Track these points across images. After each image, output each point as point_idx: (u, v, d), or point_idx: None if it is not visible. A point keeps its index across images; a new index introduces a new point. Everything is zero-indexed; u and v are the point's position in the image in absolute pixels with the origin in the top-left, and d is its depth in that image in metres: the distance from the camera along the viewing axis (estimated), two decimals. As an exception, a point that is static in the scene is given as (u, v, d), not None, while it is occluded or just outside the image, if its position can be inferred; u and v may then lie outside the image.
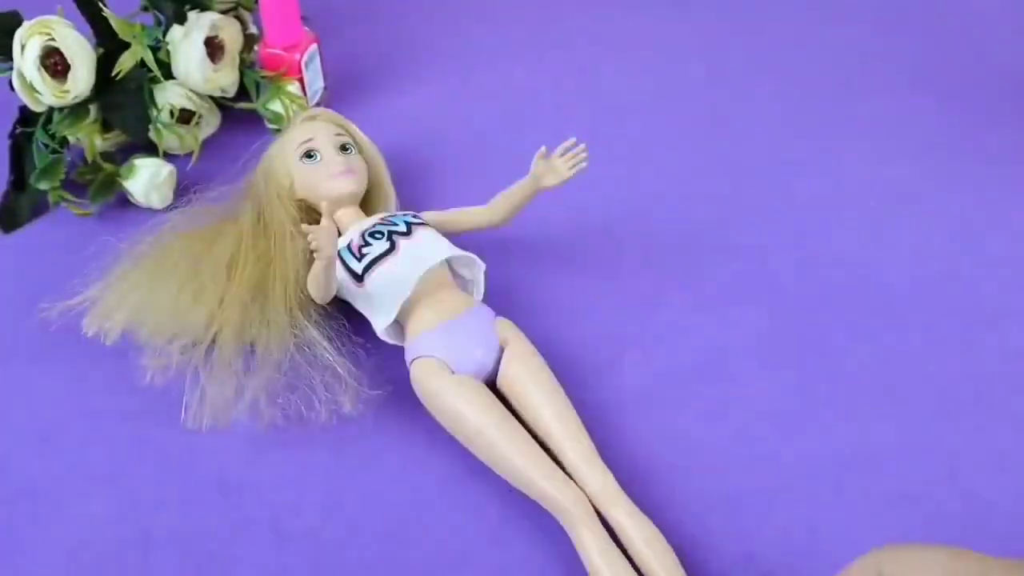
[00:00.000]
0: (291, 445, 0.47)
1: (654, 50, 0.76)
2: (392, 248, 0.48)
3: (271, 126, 0.65)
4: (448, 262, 0.51)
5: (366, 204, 0.56)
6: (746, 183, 0.63)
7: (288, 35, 0.64)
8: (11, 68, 0.57)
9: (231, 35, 0.63)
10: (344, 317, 0.51)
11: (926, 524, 0.44)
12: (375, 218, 0.51)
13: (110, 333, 0.49)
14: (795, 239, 0.59)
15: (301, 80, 0.65)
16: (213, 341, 0.49)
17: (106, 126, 0.62)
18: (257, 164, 0.55)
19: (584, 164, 0.51)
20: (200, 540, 0.43)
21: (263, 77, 0.64)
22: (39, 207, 0.60)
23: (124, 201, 0.60)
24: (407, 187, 0.61)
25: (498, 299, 0.53)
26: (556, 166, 0.51)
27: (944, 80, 0.73)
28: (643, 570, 0.39)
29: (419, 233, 0.49)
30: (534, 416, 0.44)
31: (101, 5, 0.59)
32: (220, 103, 0.66)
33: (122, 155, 0.62)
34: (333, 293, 0.48)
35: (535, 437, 0.44)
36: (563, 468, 0.43)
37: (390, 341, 0.48)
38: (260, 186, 0.53)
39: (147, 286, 0.49)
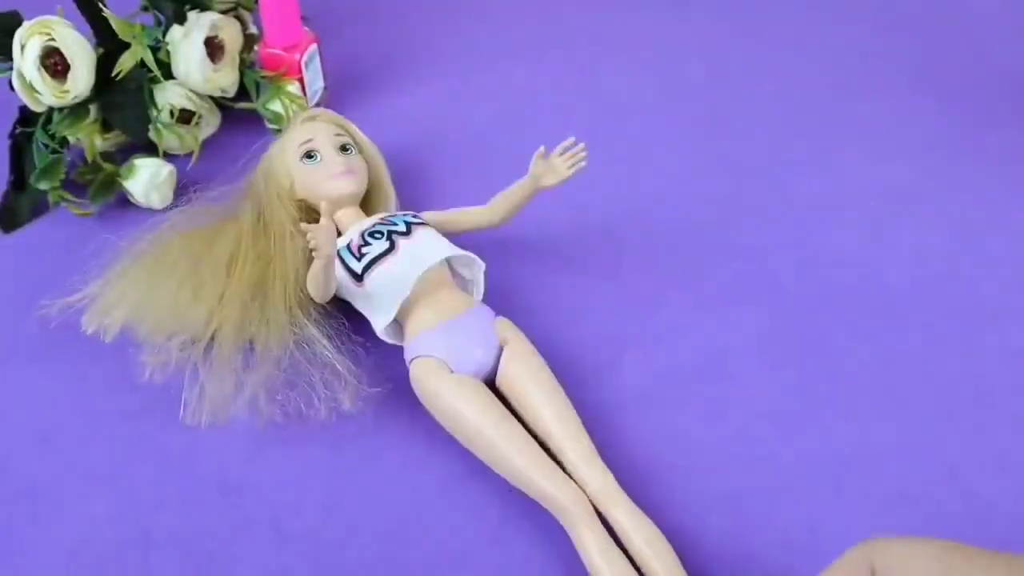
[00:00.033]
0: (291, 444, 0.47)
1: (654, 50, 0.76)
2: (392, 248, 0.48)
3: (271, 126, 0.65)
4: (448, 262, 0.51)
5: (366, 204, 0.56)
6: (746, 183, 0.63)
7: (288, 35, 0.64)
8: (11, 68, 0.57)
9: (231, 35, 0.63)
10: (344, 316, 0.51)
11: (926, 524, 0.44)
12: (375, 218, 0.51)
13: (109, 330, 0.49)
14: (795, 239, 0.59)
15: (301, 80, 0.65)
16: (212, 338, 0.49)
17: (106, 126, 0.62)
18: (257, 164, 0.55)
19: (583, 163, 0.51)
20: (200, 540, 0.43)
21: (263, 77, 0.64)
22: (39, 207, 0.60)
23: (124, 201, 0.60)
24: (407, 187, 0.61)
25: (498, 299, 0.53)
26: (555, 165, 0.51)
27: (944, 80, 0.73)
28: (643, 570, 0.39)
29: (418, 233, 0.49)
30: (534, 416, 0.44)
31: (101, 5, 0.59)
32: (220, 103, 0.66)
33: (122, 155, 0.62)
34: (332, 292, 0.48)
35: (535, 437, 0.44)
36: (563, 468, 0.43)
37: (389, 341, 0.48)
38: (260, 186, 0.54)
39: (147, 283, 0.49)
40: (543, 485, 0.41)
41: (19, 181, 0.60)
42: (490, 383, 0.47)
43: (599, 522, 0.40)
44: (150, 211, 0.59)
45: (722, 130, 0.68)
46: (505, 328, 0.48)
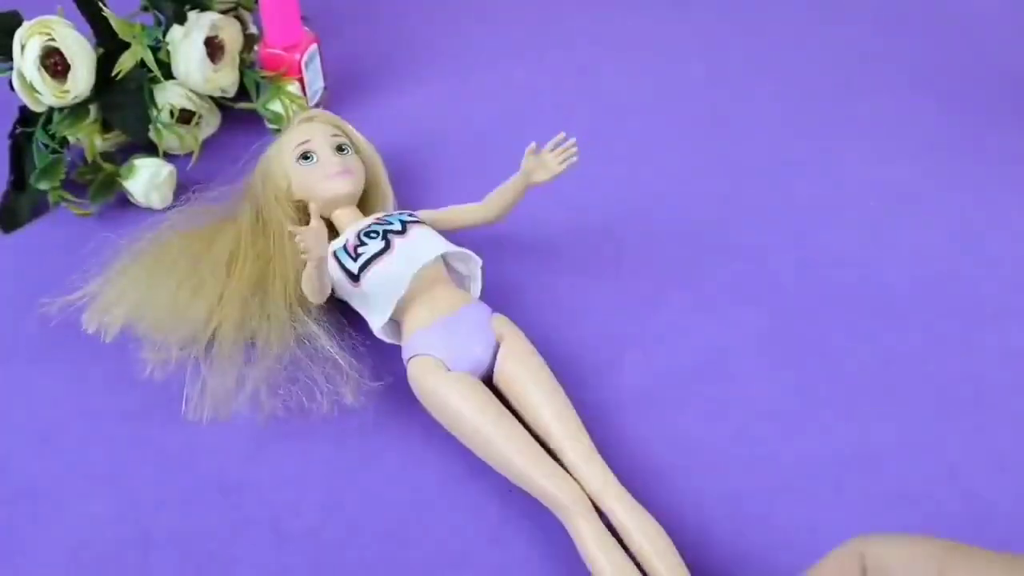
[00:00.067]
0: (291, 442, 0.47)
1: (654, 50, 0.76)
2: (387, 247, 0.48)
3: (271, 126, 0.65)
4: (445, 259, 0.51)
5: (364, 204, 0.56)
6: (746, 183, 0.63)
7: (288, 35, 0.64)
8: (11, 68, 0.57)
9: (231, 35, 0.63)
10: (344, 312, 0.51)
11: (926, 524, 0.44)
12: (371, 218, 0.51)
13: (110, 329, 0.49)
14: (795, 239, 0.59)
15: (301, 80, 0.65)
16: (213, 336, 0.49)
17: (106, 126, 0.62)
18: (255, 166, 0.55)
19: (574, 159, 0.51)
20: (200, 540, 0.43)
21: (263, 77, 0.64)
22: (39, 207, 0.60)
23: (124, 201, 0.60)
24: (407, 187, 0.61)
25: (498, 299, 0.53)
26: (546, 161, 0.51)
27: (944, 80, 0.73)
28: (646, 568, 0.39)
29: (414, 231, 0.49)
30: (534, 415, 0.44)
31: (101, 5, 0.59)
32: (220, 103, 0.66)
33: (122, 155, 0.62)
34: (327, 293, 0.48)
35: (534, 435, 0.44)
36: (563, 466, 0.43)
37: (387, 340, 0.49)
38: (258, 188, 0.54)
39: (146, 282, 0.50)
40: (542, 483, 0.41)
41: (19, 181, 0.60)
42: (487, 380, 0.47)
43: (597, 516, 0.40)
44: (150, 211, 0.59)
45: (722, 130, 0.68)
46: (501, 324, 0.48)
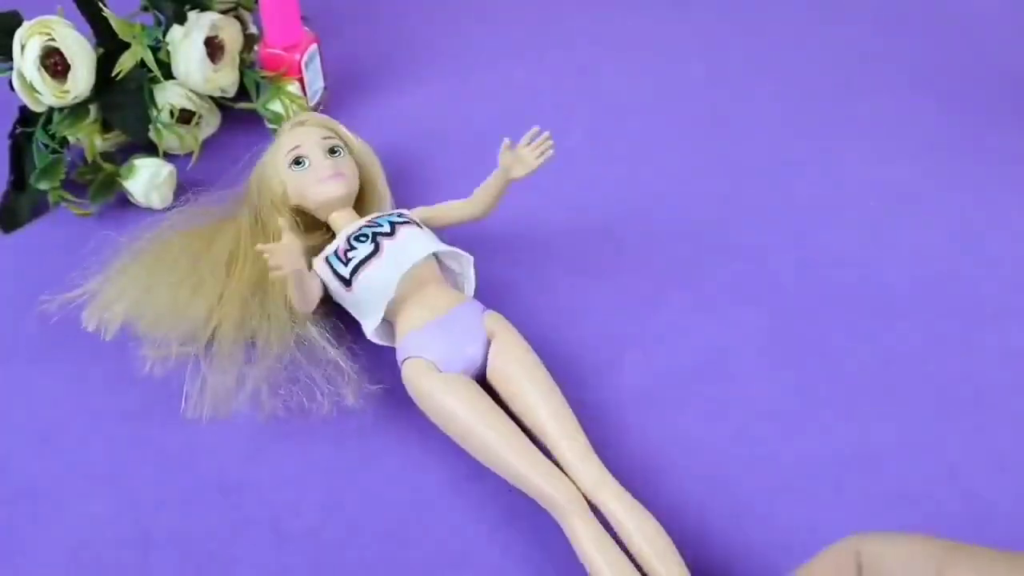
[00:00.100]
0: (291, 443, 0.47)
1: (654, 50, 0.76)
2: (376, 250, 0.48)
3: (271, 126, 0.65)
4: (438, 258, 0.51)
5: (361, 205, 0.56)
6: (746, 183, 0.63)
7: (288, 35, 0.64)
8: (11, 68, 0.57)
9: (231, 35, 0.63)
10: (344, 315, 0.51)
11: (926, 524, 0.44)
12: (362, 221, 0.51)
13: (110, 326, 0.49)
14: (795, 239, 0.59)
15: (301, 80, 0.65)
16: (213, 335, 0.49)
17: (106, 126, 0.62)
18: (252, 170, 0.55)
19: (551, 152, 0.50)
20: (200, 540, 0.43)
21: (263, 77, 0.64)
22: (39, 207, 0.60)
23: (124, 201, 0.60)
24: (407, 187, 0.61)
25: (498, 298, 0.53)
26: (523, 156, 0.50)
27: (944, 80, 0.73)
28: (644, 567, 0.39)
29: (402, 232, 0.49)
30: (530, 414, 0.44)
31: (101, 5, 0.59)
32: (220, 103, 0.66)
33: (122, 155, 0.62)
34: (313, 303, 0.48)
35: (529, 434, 0.44)
36: (559, 466, 0.43)
37: (381, 343, 0.48)
38: (254, 194, 0.54)
39: (146, 280, 0.50)
40: (537, 482, 0.41)
41: (19, 181, 0.60)
42: (482, 378, 0.47)
43: (593, 516, 0.40)
44: (150, 211, 0.59)
45: (722, 130, 0.68)
46: (493, 322, 0.47)
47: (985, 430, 0.48)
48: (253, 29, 0.68)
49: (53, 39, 0.56)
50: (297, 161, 0.53)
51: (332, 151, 0.54)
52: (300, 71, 0.65)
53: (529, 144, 0.50)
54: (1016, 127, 0.68)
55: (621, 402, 0.49)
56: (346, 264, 0.48)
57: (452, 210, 0.53)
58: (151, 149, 0.62)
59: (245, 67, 0.65)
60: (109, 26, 0.59)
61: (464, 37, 0.78)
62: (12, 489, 0.45)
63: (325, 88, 0.69)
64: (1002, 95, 0.71)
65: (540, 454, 0.42)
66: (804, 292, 0.55)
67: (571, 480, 0.42)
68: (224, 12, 0.64)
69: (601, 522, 0.40)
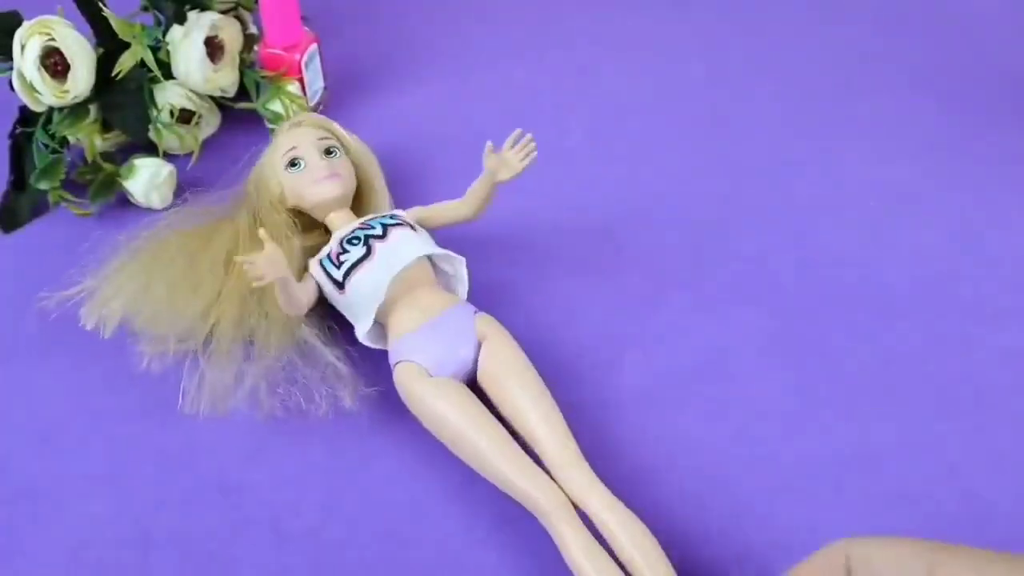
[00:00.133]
0: (291, 443, 0.47)
1: (654, 50, 0.76)
2: (368, 253, 0.48)
3: (271, 126, 0.65)
4: (432, 260, 0.51)
5: (359, 205, 0.56)
6: (746, 183, 0.63)
7: (288, 35, 0.64)
8: (11, 68, 0.57)
9: (231, 35, 0.63)
10: (341, 317, 0.51)
11: (926, 524, 0.44)
12: (356, 223, 0.51)
13: (108, 324, 0.49)
14: (795, 239, 0.59)
15: (301, 80, 0.65)
16: (211, 332, 0.49)
17: (106, 126, 0.62)
18: (250, 172, 0.55)
19: (534, 154, 0.50)
20: (200, 540, 0.43)
21: (263, 77, 0.64)
22: (39, 207, 0.60)
23: (124, 201, 0.60)
24: (407, 188, 0.61)
25: (498, 299, 0.53)
26: (507, 159, 0.50)
27: (944, 80, 0.73)
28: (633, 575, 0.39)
29: (394, 234, 0.49)
30: (521, 419, 0.44)
31: (101, 5, 0.59)
32: (220, 103, 0.66)
33: (122, 155, 0.62)
34: (302, 307, 0.48)
35: (519, 439, 0.44)
36: (549, 471, 0.42)
37: (373, 346, 0.48)
38: (252, 196, 0.54)
39: (144, 278, 0.50)
40: (524, 487, 0.41)
41: (19, 181, 0.60)
42: (473, 380, 0.47)
43: (582, 523, 0.40)
44: (150, 211, 0.59)
45: (722, 130, 0.68)
46: (484, 324, 0.47)
47: (985, 430, 0.48)
48: (253, 29, 0.68)
49: (53, 39, 0.56)
50: (293, 163, 0.53)
51: (328, 152, 0.53)
52: (300, 71, 0.65)
53: (513, 147, 0.50)
54: (1016, 127, 0.68)
55: (621, 402, 0.49)
56: (339, 267, 0.48)
57: (447, 210, 0.53)
58: (151, 149, 0.62)
59: (245, 67, 0.65)
60: (109, 26, 0.59)
61: (464, 37, 0.78)
62: (12, 489, 0.45)
63: (325, 88, 0.69)
64: (1002, 95, 0.71)
65: (529, 460, 0.42)
66: (804, 292, 0.55)
67: (560, 486, 0.41)
68: (224, 12, 0.64)
69: (591, 529, 0.40)
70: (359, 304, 0.48)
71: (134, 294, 0.49)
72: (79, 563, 0.42)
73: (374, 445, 0.47)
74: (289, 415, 0.47)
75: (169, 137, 0.62)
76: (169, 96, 0.62)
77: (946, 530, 0.43)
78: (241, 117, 0.66)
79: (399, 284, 0.47)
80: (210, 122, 0.65)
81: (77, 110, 0.59)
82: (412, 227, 0.50)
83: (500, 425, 0.43)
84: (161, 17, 0.62)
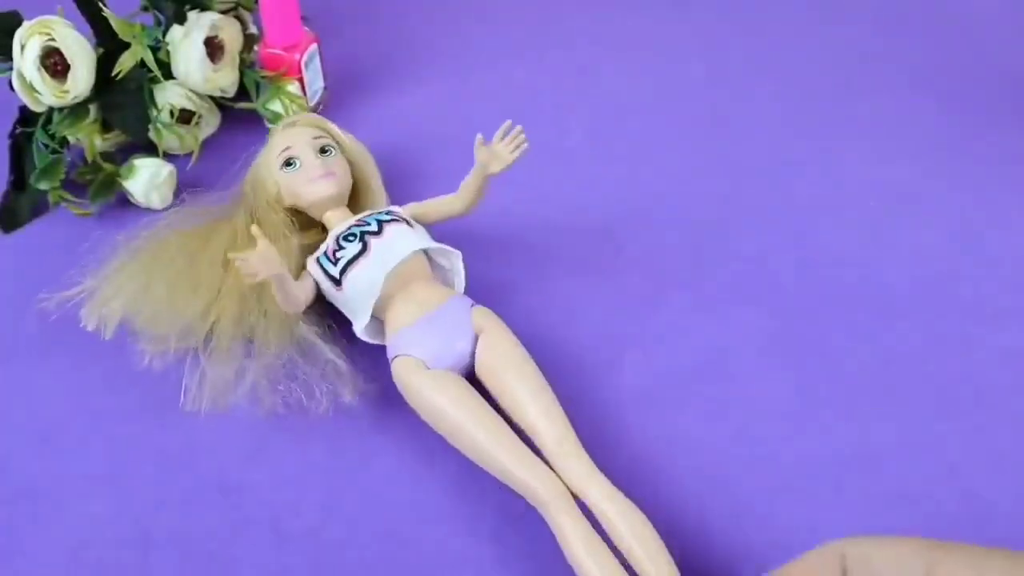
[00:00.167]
0: (291, 442, 0.47)
1: (654, 50, 0.76)
2: (364, 249, 0.48)
3: (271, 126, 0.65)
4: (428, 254, 0.51)
5: (355, 203, 0.56)
6: (746, 183, 0.63)
7: (288, 35, 0.64)
8: (11, 68, 0.57)
9: (231, 35, 0.63)
10: (339, 312, 0.51)
11: (926, 524, 0.44)
12: (352, 220, 0.51)
13: (108, 324, 0.49)
14: (795, 239, 0.59)
15: (301, 80, 0.65)
16: (211, 330, 0.49)
17: (106, 126, 0.62)
18: (247, 173, 0.55)
19: (525, 145, 0.50)
20: (200, 540, 0.43)
21: (263, 77, 0.64)
22: (39, 207, 0.60)
23: (124, 201, 0.60)
24: (407, 187, 0.61)
25: (497, 298, 0.53)
26: (498, 152, 0.50)
27: (944, 80, 0.73)
28: (635, 568, 0.39)
29: (389, 230, 0.49)
30: (520, 411, 0.44)
31: (101, 5, 0.59)
32: (220, 103, 0.66)
33: (122, 155, 0.62)
34: (299, 305, 0.48)
35: (518, 430, 0.44)
36: (548, 462, 0.42)
37: (371, 341, 0.49)
38: (250, 196, 0.54)
39: (144, 278, 0.50)
40: (524, 477, 0.41)
41: (19, 181, 0.60)
42: (472, 373, 0.47)
43: (581, 514, 0.40)
44: (150, 211, 0.59)
45: (722, 130, 0.68)
46: (481, 317, 0.47)
47: (985, 430, 0.48)
48: (253, 29, 0.68)
49: (53, 39, 0.56)
50: (288, 162, 0.53)
51: (323, 151, 0.54)
52: (300, 71, 0.65)
53: (503, 139, 0.50)
54: (1016, 127, 0.68)
55: (621, 402, 0.49)
56: (335, 264, 0.48)
57: (441, 205, 0.53)
58: (151, 149, 0.62)
59: (245, 67, 0.65)
60: (109, 26, 0.59)
61: (464, 37, 0.78)
62: (12, 489, 0.45)
63: (325, 88, 0.69)
64: (1002, 95, 0.71)
65: (527, 450, 0.42)
66: (804, 292, 0.55)
67: (559, 476, 0.41)
68: (224, 12, 0.64)
69: (590, 520, 0.40)
70: (356, 300, 0.48)
71: (134, 294, 0.49)
72: (79, 563, 0.42)
73: (374, 443, 0.47)
74: (290, 411, 0.47)
75: (169, 137, 0.62)
76: (169, 96, 0.62)
77: (946, 530, 0.43)
78: (241, 117, 0.66)
79: (395, 279, 0.47)
80: (210, 122, 0.66)
81: (77, 110, 0.59)
82: (408, 223, 0.50)
83: (498, 416, 0.43)
84: (161, 17, 0.62)
